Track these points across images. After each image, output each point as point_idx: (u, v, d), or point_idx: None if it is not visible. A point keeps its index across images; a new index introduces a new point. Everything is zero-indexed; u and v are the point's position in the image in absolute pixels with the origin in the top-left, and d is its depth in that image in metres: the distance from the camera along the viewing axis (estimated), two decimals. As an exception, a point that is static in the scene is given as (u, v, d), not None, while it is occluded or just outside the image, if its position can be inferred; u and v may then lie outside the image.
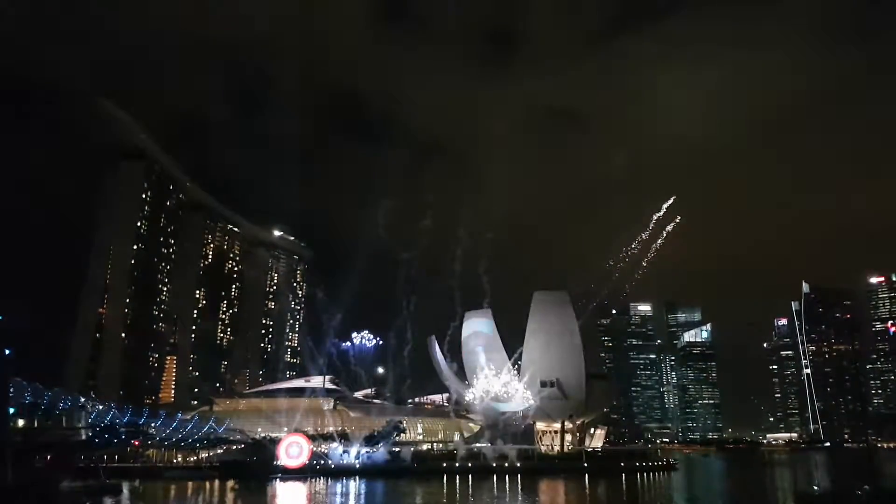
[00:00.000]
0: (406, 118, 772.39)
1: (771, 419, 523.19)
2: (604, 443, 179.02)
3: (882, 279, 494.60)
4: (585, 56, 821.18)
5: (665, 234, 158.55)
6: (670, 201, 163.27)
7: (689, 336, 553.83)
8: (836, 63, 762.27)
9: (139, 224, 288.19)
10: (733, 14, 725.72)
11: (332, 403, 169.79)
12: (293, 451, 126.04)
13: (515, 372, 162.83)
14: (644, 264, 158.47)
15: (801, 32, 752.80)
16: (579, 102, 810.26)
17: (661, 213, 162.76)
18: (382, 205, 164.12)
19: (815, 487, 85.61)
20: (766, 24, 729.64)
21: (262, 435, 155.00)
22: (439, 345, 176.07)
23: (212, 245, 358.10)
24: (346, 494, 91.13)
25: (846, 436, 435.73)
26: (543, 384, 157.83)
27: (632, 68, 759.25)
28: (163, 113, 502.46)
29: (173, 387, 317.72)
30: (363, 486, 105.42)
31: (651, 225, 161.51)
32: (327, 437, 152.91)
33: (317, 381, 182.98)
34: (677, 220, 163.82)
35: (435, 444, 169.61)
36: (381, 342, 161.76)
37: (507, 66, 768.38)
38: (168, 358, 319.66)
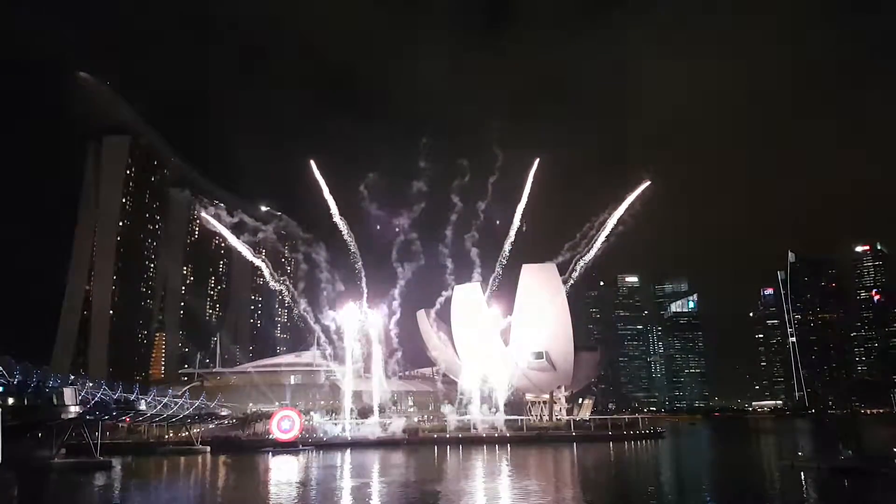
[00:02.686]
0: (401, 91, 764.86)
1: (756, 387, 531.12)
2: (592, 412, 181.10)
3: (867, 248, 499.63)
4: (581, 28, 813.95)
5: (640, 205, 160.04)
6: (647, 178, 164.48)
7: (675, 306, 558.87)
8: (835, 34, 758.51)
9: (124, 201, 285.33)
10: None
11: (323, 377, 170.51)
12: (285, 424, 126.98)
13: (505, 344, 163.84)
14: (621, 230, 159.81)
15: (801, 2, 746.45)
16: (575, 75, 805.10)
17: (641, 188, 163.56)
18: (373, 177, 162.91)
19: (799, 454, 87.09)
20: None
21: (254, 409, 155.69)
22: (428, 318, 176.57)
23: (198, 221, 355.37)
24: (337, 467, 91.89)
25: (830, 403, 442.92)
26: (532, 356, 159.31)
27: (629, 39, 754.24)
28: (156, 88, 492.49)
29: (163, 363, 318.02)
30: (355, 458, 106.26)
31: (633, 196, 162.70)
32: (319, 411, 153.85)
33: (308, 356, 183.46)
34: (653, 191, 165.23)
35: (425, 416, 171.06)
36: (372, 315, 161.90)
37: (502, 38, 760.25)
38: (157, 334, 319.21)
